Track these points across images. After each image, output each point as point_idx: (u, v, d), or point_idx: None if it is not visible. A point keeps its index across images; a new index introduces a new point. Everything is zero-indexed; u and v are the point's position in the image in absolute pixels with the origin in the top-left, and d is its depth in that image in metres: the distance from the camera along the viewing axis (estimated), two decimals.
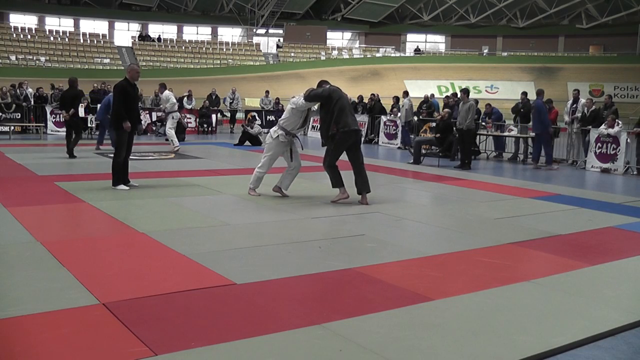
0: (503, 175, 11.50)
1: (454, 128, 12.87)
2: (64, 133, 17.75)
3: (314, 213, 7.03)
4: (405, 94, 17.72)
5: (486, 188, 9.45)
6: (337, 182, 7.75)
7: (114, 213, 6.59)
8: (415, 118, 17.22)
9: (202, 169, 10.91)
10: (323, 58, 44.10)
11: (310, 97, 7.66)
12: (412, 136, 15.84)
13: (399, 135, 17.37)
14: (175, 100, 13.94)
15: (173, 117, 13.63)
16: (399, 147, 16.91)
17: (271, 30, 44.90)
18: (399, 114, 17.28)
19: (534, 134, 12.95)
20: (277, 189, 7.99)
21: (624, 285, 4.62)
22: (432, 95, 18.16)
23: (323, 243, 5.56)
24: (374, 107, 18.76)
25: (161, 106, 14.46)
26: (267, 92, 24.09)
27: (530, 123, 15.20)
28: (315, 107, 7.96)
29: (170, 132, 13.52)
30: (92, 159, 11.91)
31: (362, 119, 18.86)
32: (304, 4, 44.28)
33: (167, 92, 14.09)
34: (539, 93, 13.18)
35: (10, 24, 38.57)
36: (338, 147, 7.69)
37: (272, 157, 8.01)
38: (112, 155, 8.68)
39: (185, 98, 21.37)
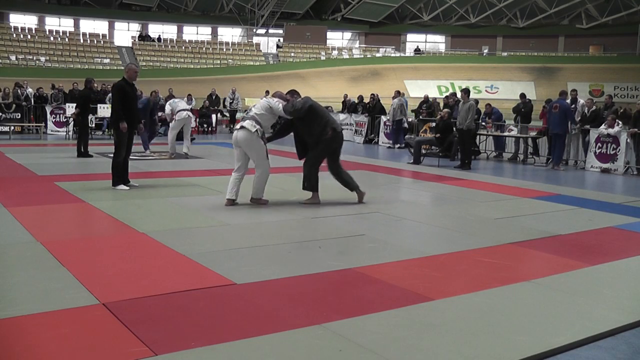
0: (503, 175, 11.50)
1: (454, 128, 12.87)
2: (64, 133, 17.92)
3: (314, 213, 7.02)
4: (398, 93, 17.70)
5: (486, 188, 9.45)
6: (316, 184, 7.49)
7: (114, 213, 6.59)
8: (405, 117, 17.31)
9: (202, 169, 10.92)
10: (323, 58, 44.12)
11: (291, 113, 7.27)
12: (412, 136, 15.84)
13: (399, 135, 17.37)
14: (169, 108, 12.86)
15: (175, 120, 12.67)
16: (399, 147, 16.91)
17: (271, 30, 44.91)
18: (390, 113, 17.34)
19: (553, 133, 12.73)
20: (231, 202, 7.23)
21: (624, 285, 4.62)
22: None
23: (323, 243, 5.56)
24: (374, 107, 18.77)
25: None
26: (267, 92, 24.02)
27: (531, 123, 15.30)
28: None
29: (169, 136, 12.79)
30: (92, 159, 11.91)
31: (362, 119, 18.88)
32: (304, 4, 44.29)
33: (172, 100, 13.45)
34: (562, 94, 13.19)
35: (10, 24, 38.60)
36: (328, 147, 7.41)
37: (265, 156, 7.25)
38: (111, 155, 8.68)
39: (185, 98, 21.38)
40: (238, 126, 7.25)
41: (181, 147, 12.90)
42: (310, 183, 7.50)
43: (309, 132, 7.44)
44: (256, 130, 7.06)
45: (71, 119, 17.17)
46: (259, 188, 7.31)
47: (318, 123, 7.38)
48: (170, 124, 12.99)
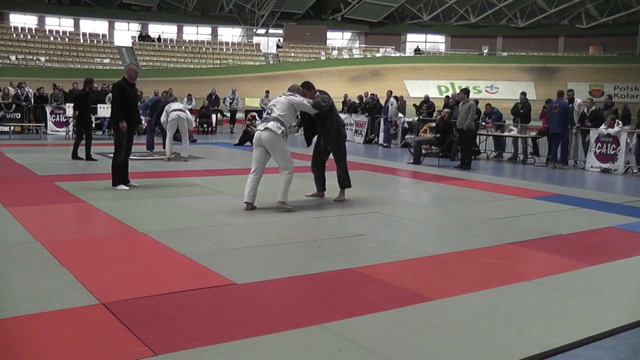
0: (503, 175, 11.50)
1: (454, 128, 12.87)
2: (64, 133, 17.91)
3: (314, 213, 7.03)
4: (391, 93, 17.72)
5: (486, 188, 9.45)
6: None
7: (114, 213, 6.59)
8: (401, 116, 17.46)
9: (202, 169, 10.91)
10: (323, 58, 44.11)
11: (318, 106, 7.37)
12: (412, 136, 15.86)
13: (399, 135, 17.40)
14: (164, 115, 12.37)
15: (169, 120, 12.24)
16: (401, 146, 16.98)
17: (271, 30, 44.91)
18: (389, 113, 17.35)
19: (553, 132, 12.91)
20: (250, 206, 7.07)
21: (624, 285, 4.62)
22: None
23: (323, 243, 5.56)
24: (374, 107, 18.76)
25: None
26: (267, 92, 24.10)
27: (531, 122, 15.31)
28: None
29: (167, 139, 12.33)
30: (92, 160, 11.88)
31: (362, 119, 18.89)
32: (304, 4, 44.28)
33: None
34: (560, 94, 13.42)
35: (10, 24, 38.59)
36: (345, 145, 7.97)
37: (290, 158, 7.19)
38: (111, 155, 8.69)
39: (185, 98, 21.47)
40: (261, 127, 7.01)
41: (179, 147, 12.47)
42: (350, 180, 7.91)
43: (322, 127, 7.70)
44: (282, 132, 6.94)
45: (71, 118, 17.18)
46: (285, 191, 7.05)
47: (330, 122, 7.66)
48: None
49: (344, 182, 7.88)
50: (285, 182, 7.03)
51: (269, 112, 7.16)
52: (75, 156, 11.70)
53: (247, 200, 7.04)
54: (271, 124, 6.92)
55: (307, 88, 7.60)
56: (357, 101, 20.21)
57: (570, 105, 13.87)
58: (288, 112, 7.11)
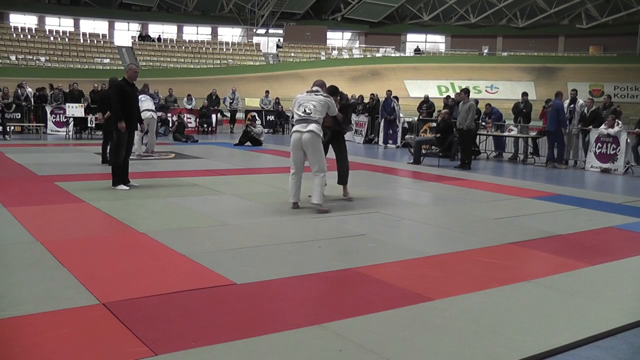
0: (503, 175, 11.49)
1: (454, 128, 12.87)
2: (64, 133, 17.89)
3: (314, 213, 7.02)
4: (390, 92, 17.72)
5: (486, 188, 9.45)
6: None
7: (114, 213, 6.59)
8: (401, 116, 17.59)
9: (202, 169, 10.91)
10: (323, 58, 44.13)
11: (346, 122, 7.78)
12: (412, 136, 15.87)
13: (399, 135, 17.40)
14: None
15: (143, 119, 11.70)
16: (397, 146, 16.99)
17: (271, 30, 44.93)
18: (397, 113, 17.34)
19: (547, 131, 13.13)
20: (296, 205, 7.25)
21: (624, 285, 4.62)
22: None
23: (323, 243, 5.56)
24: (374, 107, 18.75)
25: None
26: (267, 92, 24.11)
27: (531, 122, 15.32)
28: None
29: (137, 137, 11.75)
30: (91, 159, 11.88)
31: (362, 119, 18.89)
32: (304, 4, 44.29)
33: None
34: (558, 94, 13.55)
35: (10, 24, 38.60)
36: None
37: (325, 160, 7.30)
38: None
39: (185, 98, 21.49)
40: (301, 128, 6.97)
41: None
42: (348, 177, 8.04)
43: (335, 122, 7.80)
44: (322, 134, 7.15)
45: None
46: (321, 193, 7.09)
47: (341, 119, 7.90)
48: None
49: (346, 178, 8.03)
50: (320, 184, 7.08)
51: (306, 110, 7.02)
52: (106, 160, 10.91)
53: (293, 201, 7.22)
54: (314, 126, 6.95)
55: (330, 89, 7.56)
56: (357, 101, 20.22)
57: (572, 105, 13.88)
58: (324, 113, 7.18)
